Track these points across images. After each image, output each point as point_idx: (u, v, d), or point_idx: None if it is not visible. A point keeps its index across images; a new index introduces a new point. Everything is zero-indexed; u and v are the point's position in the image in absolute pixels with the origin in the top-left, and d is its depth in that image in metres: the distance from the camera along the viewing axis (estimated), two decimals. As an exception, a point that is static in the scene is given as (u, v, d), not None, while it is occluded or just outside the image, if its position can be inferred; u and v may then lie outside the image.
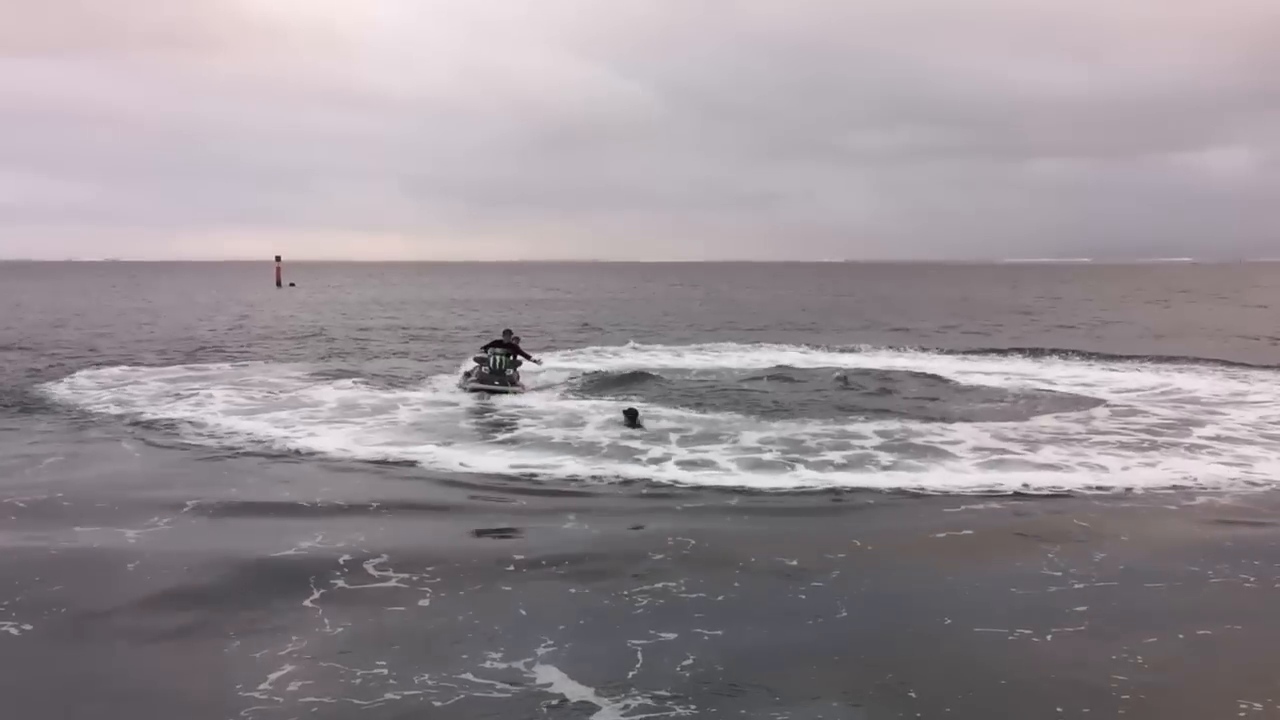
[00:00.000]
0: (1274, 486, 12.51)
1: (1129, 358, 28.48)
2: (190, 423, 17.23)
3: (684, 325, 44.82)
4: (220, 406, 19.06)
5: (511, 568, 9.41)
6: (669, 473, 13.37)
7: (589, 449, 14.94)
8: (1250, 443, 15.21)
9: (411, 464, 14.06)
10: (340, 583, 8.91)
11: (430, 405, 19.34)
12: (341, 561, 9.43)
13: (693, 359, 29.00)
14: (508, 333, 21.57)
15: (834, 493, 12.34)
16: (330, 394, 20.73)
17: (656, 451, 14.62)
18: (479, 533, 10.87)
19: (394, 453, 14.70)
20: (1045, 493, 12.28)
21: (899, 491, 12.33)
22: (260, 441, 15.64)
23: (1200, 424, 16.97)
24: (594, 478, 13.13)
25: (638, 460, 14.11)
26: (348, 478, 13.38)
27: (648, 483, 12.84)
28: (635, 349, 31.90)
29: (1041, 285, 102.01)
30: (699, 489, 12.53)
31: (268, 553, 9.76)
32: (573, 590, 8.79)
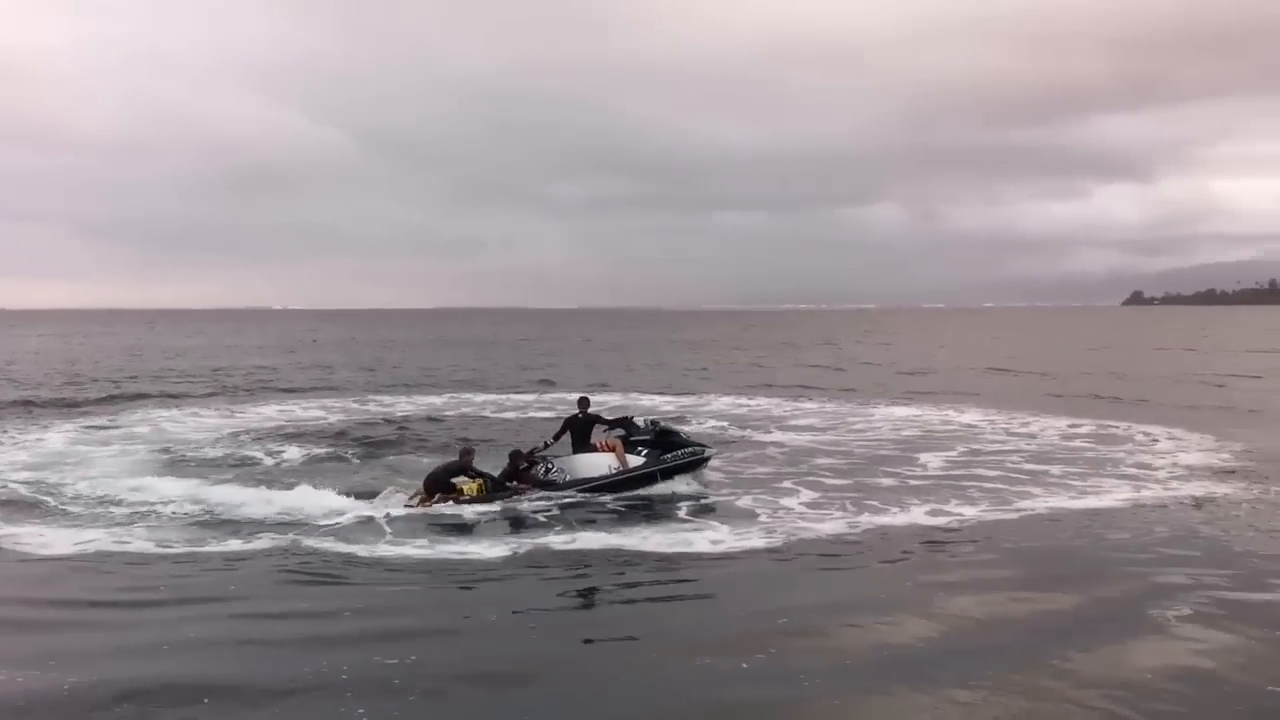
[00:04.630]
0: (968, 521, 12.71)
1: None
2: None
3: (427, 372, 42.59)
4: None
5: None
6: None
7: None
8: (943, 483, 15.40)
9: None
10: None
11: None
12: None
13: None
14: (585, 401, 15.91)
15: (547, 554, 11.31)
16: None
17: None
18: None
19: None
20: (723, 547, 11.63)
21: (619, 550, 11.45)
22: None
23: (897, 461, 17.44)
24: (313, 551, 11.31)
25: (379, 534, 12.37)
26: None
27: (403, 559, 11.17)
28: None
29: (750, 330, 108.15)
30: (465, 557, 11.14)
31: None
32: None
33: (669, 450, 14.92)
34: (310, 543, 11.55)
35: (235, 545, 11.54)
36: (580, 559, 11.05)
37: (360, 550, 11.31)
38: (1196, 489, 14.44)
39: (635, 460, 14.65)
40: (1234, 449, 18.03)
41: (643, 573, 10.57)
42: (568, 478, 14.54)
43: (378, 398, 30.30)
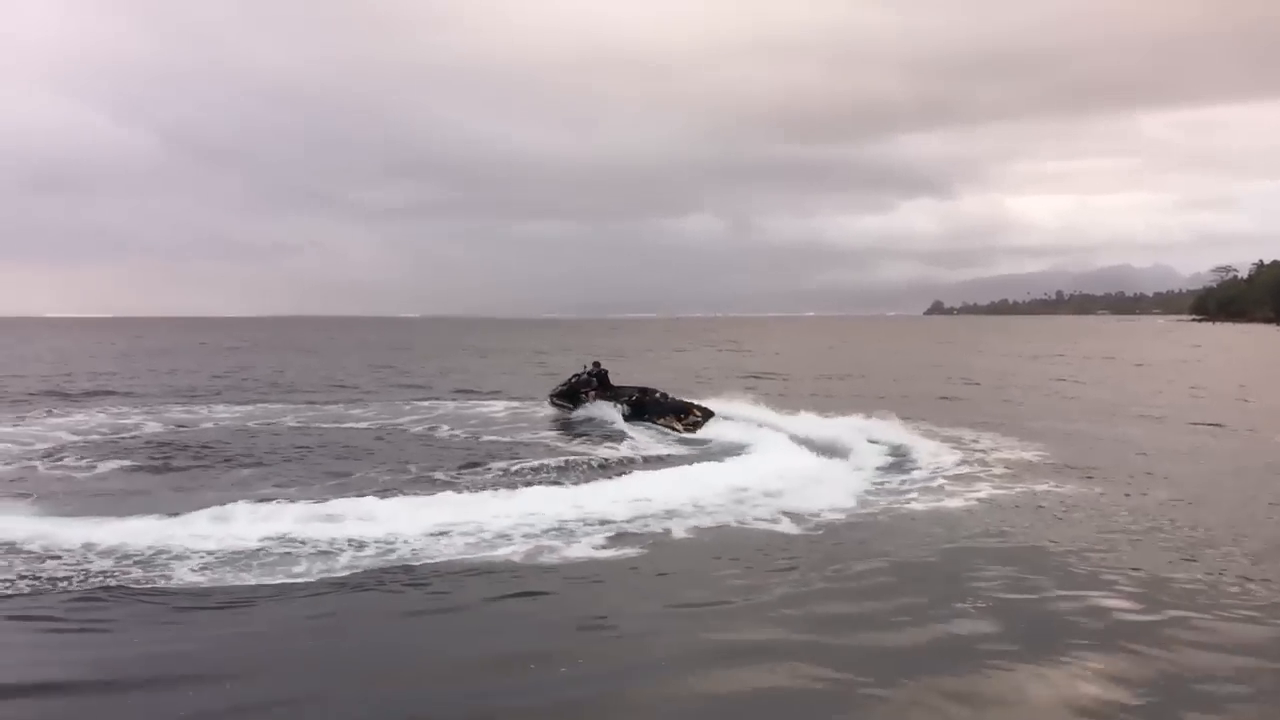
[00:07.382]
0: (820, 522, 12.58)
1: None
2: None
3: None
4: None
5: None
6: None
7: None
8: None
9: None
10: None
11: None
12: None
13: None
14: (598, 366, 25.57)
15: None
16: None
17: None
18: None
19: None
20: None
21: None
22: None
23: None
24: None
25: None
26: None
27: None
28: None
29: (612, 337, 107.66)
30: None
31: None
32: None
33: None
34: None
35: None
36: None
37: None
38: (1021, 490, 14.75)
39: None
40: (1052, 451, 18.59)
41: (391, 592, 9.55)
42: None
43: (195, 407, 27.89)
